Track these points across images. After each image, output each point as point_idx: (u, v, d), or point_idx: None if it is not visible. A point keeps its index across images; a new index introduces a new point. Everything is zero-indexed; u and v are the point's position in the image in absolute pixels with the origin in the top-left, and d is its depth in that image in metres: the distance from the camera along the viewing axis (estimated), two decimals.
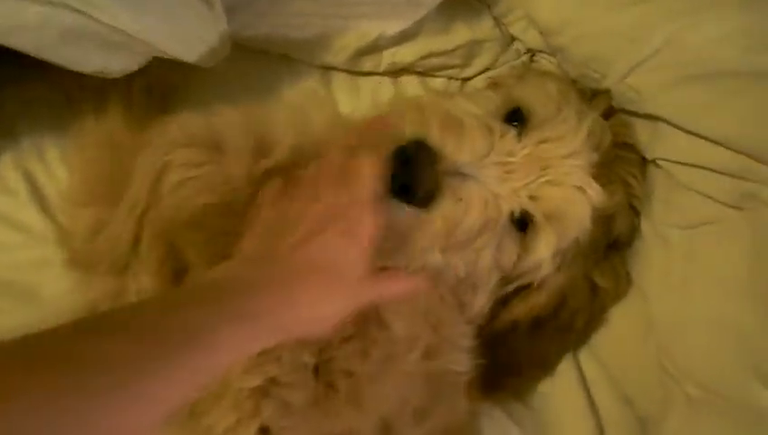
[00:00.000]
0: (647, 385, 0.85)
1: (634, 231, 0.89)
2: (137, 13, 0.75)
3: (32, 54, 0.74)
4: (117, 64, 0.81)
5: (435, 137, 0.73)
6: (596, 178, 0.78)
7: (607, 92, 0.88)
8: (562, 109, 0.81)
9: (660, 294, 0.83)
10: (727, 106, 0.75)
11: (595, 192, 0.78)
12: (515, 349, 0.88)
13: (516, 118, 0.80)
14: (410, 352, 0.78)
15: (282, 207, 0.69)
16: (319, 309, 0.61)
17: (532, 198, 0.77)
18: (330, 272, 0.62)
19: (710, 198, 0.80)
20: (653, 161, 0.86)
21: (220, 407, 0.73)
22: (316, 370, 0.75)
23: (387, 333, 0.77)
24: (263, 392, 0.72)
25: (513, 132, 0.77)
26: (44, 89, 0.94)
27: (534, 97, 0.82)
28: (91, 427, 0.44)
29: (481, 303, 0.85)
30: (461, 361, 0.83)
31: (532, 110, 0.81)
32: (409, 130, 0.75)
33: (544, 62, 0.98)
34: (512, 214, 0.78)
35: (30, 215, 0.90)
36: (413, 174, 0.71)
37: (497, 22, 0.99)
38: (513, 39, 1.00)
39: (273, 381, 0.72)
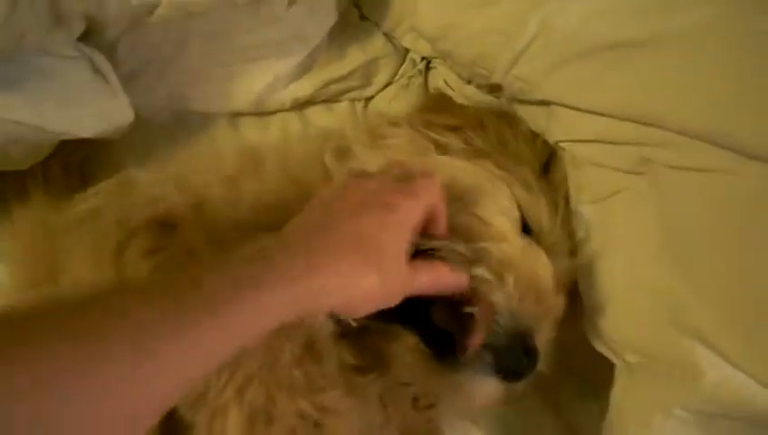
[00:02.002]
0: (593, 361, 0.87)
1: None
2: (35, 105, 0.76)
3: None
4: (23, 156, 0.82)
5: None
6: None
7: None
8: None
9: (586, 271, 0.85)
10: (609, 79, 0.77)
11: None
12: None
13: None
14: None
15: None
16: (356, 281, 0.60)
17: None
18: (371, 247, 0.62)
19: (613, 168, 0.81)
20: (556, 145, 0.87)
21: None
22: None
23: None
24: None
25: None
26: None
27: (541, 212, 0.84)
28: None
29: None
30: None
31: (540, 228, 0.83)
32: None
33: (441, 68, 0.99)
34: None
35: None
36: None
37: (388, 37, 1.00)
38: (406, 51, 1.02)
39: None
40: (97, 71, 0.84)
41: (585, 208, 0.85)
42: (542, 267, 0.78)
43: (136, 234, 0.79)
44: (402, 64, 1.04)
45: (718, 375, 0.70)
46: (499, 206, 0.80)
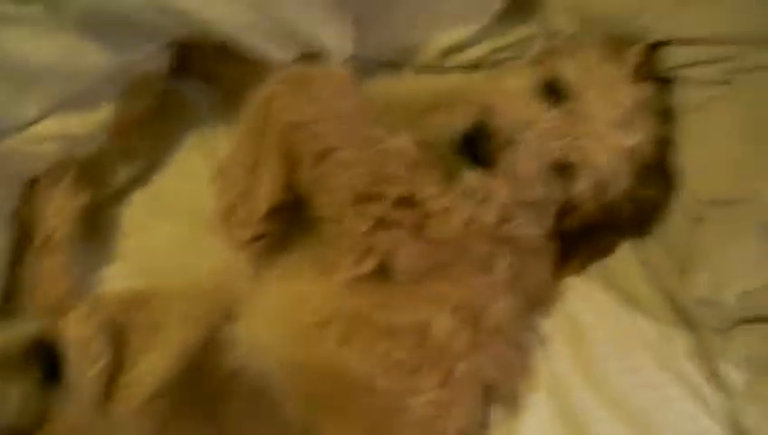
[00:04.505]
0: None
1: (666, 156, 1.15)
2: None
3: None
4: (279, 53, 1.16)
5: (490, 116, 1.01)
6: (622, 126, 1.05)
7: (639, 45, 1.14)
8: (591, 80, 1.07)
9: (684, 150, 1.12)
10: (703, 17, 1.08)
11: (616, 140, 1.05)
12: (578, 242, 1.16)
13: (555, 89, 1.07)
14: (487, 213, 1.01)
15: None
16: None
17: (565, 150, 1.04)
18: None
19: (708, 82, 1.10)
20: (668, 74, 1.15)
21: (343, 250, 0.96)
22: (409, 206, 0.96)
23: None
24: (374, 231, 0.94)
25: (549, 103, 1.05)
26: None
27: (567, 70, 1.08)
28: None
29: (545, 220, 1.11)
30: (531, 226, 1.08)
31: (565, 82, 1.07)
32: (470, 116, 1.03)
33: None
34: (553, 163, 1.05)
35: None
36: (479, 146, 1.00)
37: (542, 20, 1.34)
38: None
39: (380, 220, 0.94)
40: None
41: (688, 117, 1.13)
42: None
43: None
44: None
45: None
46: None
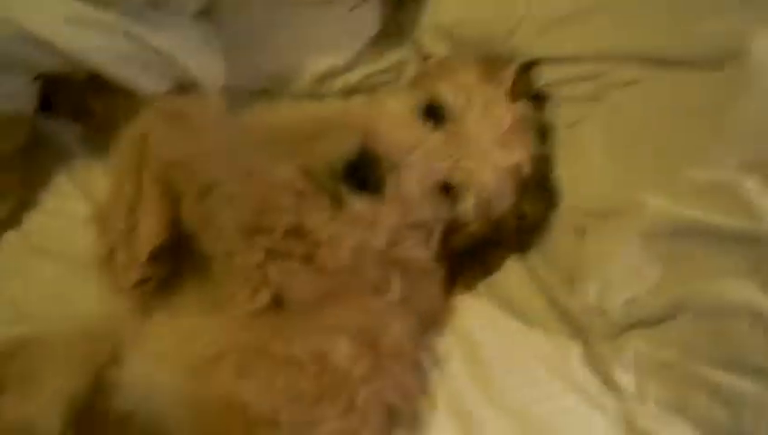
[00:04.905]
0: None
1: (546, 171, 1.19)
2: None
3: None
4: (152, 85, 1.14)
5: (373, 141, 1.03)
6: (503, 144, 1.10)
7: (512, 65, 1.19)
8: (470, 100, 1.10)
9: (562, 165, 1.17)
10: (574, 34, 1.12)
11: (499, 159, 1.09)
12: (465, 260, 1.20)
13: (435, 111, 1.10)
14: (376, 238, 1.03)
15: None
16: None
17: (450, 171, 1.07)
18: None
19: (579, 98, 1.15)
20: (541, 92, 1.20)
21: (235, 285, 0.94)
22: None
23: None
24: (265, 264, 0.92)
25: (430, 125, 1.09)
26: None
27: (447, 92, 1.12)
28: None
29: (433, 240, 1.14)
30: (420, 248, 1.10)
31: (445, 103, 1.10)
32: (352, 142, 1.03)
33: None
34: (437, 185, 1.08)
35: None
36: (364, 173, 1.01)
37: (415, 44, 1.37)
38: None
39: (270, 252, 0.92)
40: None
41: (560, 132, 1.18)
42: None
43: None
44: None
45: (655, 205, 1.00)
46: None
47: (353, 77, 1.37)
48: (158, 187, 0.95)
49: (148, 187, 0.95)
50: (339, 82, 1.37)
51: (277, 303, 0.94)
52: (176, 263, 0.99)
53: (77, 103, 1.22)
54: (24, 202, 1.19)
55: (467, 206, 1.10)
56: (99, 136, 1.22)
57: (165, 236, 0.95)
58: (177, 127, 0.98)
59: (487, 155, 1.07)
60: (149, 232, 0.95)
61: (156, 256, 0.95)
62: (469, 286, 1.21)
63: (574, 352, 1.13)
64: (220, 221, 0.92)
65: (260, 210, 0.92)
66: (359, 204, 1.00)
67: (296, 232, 0.94)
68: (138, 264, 0.95)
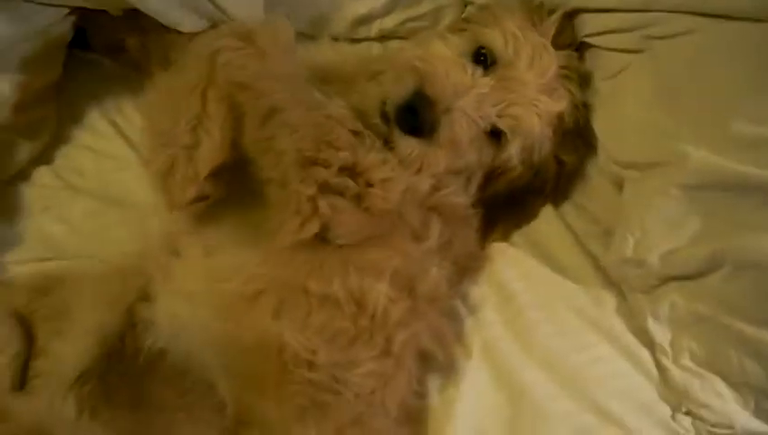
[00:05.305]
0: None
1: (586, 121, 1.18)
2: None
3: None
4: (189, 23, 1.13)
5: (427, 84, 1.02)
6: (549, 92, 1.09)
7: (557, 13, 1.16)
8: (518, 47, 1.09)
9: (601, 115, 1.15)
10: None
11: (545, 106, 1.08)
12: (503, 208, 1.18)
13: (482, 55, 1.09)
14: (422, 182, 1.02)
15: None
16: None
17: (499, 117, 1.06)
18: None
19: (621, 51, 1.13)
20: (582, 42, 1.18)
21: (285, 213, 0.92)
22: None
23: None
24: (318, 197, 0.91)
25: (480, 70, 1.07)
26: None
27: (494, 38, 1.10)
28: None
29: (472, 186, 1.14)
30: (460, 194, 1.09)
31: (494, 49, 1.09)
32: (406, 84, 1.02)
33: None
34: (486, 130, 1.07)
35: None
36: (420, 116, 1.01)
37: None
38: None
39: (324, 185, 0.91)
40: None
41: (602, 84, 1.16)
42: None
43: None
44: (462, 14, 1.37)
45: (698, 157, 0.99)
46: None
47: (390, 21, 1.34)
48: (223, 106, 0.95)
49: (213, 105, 0.95)
50: (375, 27, 1.34)
51: (321, 238, 0.93)
52: (222, 193, 0.99)
53: (111, 40, 1.21)
54: (57, 138, 1.18)
55: (512, 152, 1.09)
56: (132, 73, 1.22)
57: (226, 156, 0.95)
58: (247, 49, 0.97)
59: (534, 102, 1.07)
60: (212, 149, 0.95)
61: (215, 175, 0.95)
62: (506, 235, 1.20)
63: (609, 303, 1.13)
64: (279, 147, 0.92)
65: (319, 143, 0.92)
66: (411, 147, 1.00)
67: (351, 170, 0.93)
68: (197, 180, 0.95)
